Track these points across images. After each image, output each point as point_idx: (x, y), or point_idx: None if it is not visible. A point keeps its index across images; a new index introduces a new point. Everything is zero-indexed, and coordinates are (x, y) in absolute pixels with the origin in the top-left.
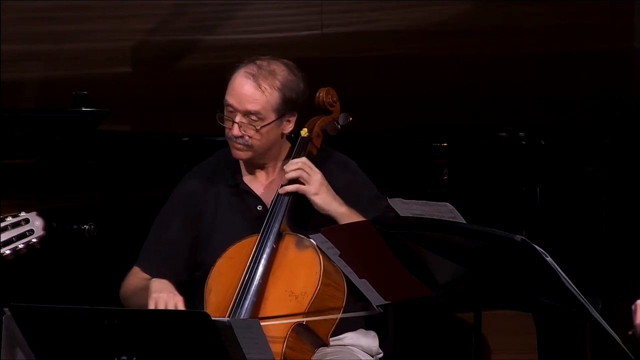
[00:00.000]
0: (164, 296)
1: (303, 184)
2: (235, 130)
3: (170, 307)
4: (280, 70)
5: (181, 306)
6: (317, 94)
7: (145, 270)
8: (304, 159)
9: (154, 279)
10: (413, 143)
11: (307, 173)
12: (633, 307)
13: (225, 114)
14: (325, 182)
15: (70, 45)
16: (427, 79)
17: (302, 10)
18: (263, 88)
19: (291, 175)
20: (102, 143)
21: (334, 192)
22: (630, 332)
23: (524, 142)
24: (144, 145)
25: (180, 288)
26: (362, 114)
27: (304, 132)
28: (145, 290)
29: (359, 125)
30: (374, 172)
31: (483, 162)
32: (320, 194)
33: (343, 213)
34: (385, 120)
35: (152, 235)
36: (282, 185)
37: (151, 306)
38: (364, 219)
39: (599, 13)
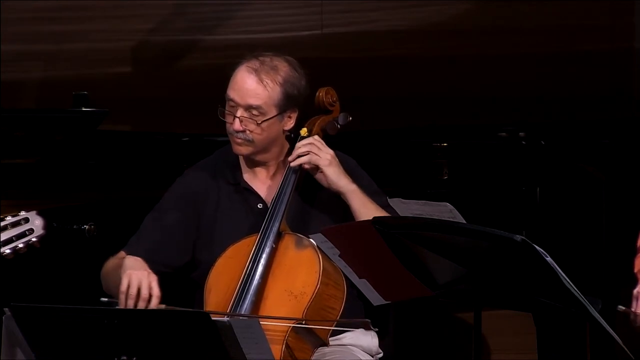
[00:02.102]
0: (138, 274)
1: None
2: (237, 125)
3: (145, 285)
4: (283, 66)
5: (155, 285)
6: (317, 94)
7: (129, 254)
8: (315, 136)
9: (127, 256)
10: (413, 143)
11: (318, 148)
12: (635, 292)
13: (226, 108)
14: (337, 159)
15: (70, 45)
16: (427, 79)
17: (302, 10)
18: (265, 83)
19: (302, 150)
20: (102, 143)
21: (344, 170)
22: (620, 309)
23: (524, 142)
24: (144, 145)
25: (179, 287)
26: (362, 114)
27: (304, 131)
28: (117, 270)
29: (359, 125)
30: (374, 172)
31: (483, 162)
32: (332, 166)
33: (354, 190)
34: (385, 120)
35: (144, 225)
36: (289, 162)
37: (124, 282)
38: (371, 201)
39: (599, 13)
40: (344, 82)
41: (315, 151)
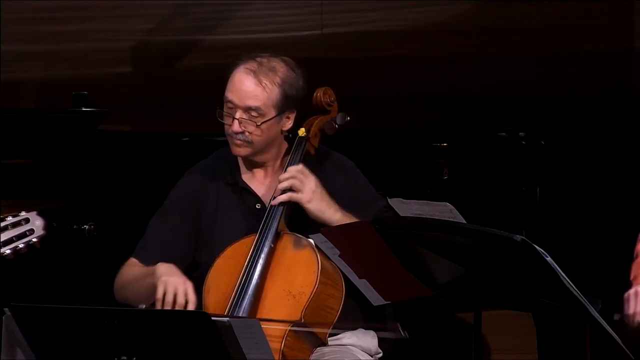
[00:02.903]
0: (175, 280)
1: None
2: (236, 126)
3: (181, 293)
4: (280, 67)
5: (191, 291)
6: (315, 94)
7: (142, 261)
8: (299, 166)
9: (160, 263)
10: (413, 143)
11: (300, 181)
12: (625, 295)
13: (224, 110)
14: (320, 189)
15: (70, 45)
16: (427, 79)
17: (302, 10)
18: (264, 84)
19: (284, 185)
20: (102, 143)
21: (328, 198)
22: (616, 318)
23: (524, 142)
24: (144, 145)
25: None
26: (362, 114)
27: (302, 131)
28: (144, 278)
29: (359, 125)
30: (374, 172)
31: (483, 162)
32: (314, 201)
33: (338, 220)
34: (385, 120)
35: (150, 228)
36: (274, 197)
37: (160, 290)
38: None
39: (599, 13)
40: (344, 82)
41: (297, 186)
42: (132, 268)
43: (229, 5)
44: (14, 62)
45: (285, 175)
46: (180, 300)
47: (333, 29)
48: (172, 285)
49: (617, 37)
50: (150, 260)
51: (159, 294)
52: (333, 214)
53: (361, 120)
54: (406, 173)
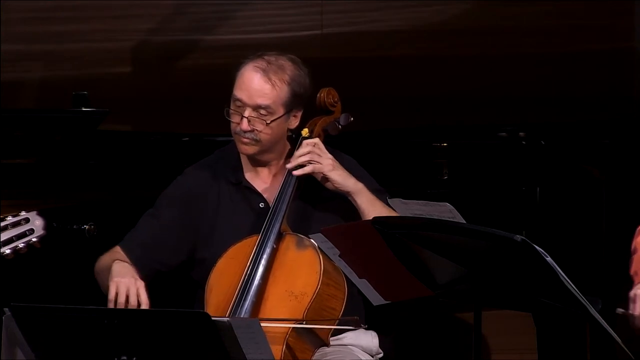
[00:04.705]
0: (126, 281)
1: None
2: (244, 125)
3: (132, 293)
4: (288, 65)
5: (143, 292)
6: (318, 94)
7: (125, 252)
8: (314, 139)
9: (116, 261)
10: (413, 143)
11: (317, 154)
12: (631, 295)
13: (232, 108)
14: (337, 161)
15: (70, 45)
16: (427, 79)
17: (302, 10)
18: (273, 82)
19: (302, 159)
20: (102, 143)
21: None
22: (619, 312)
23: (524, 142)
24: (144, 145)
25: (179, 287)
26: (362, 114)
27: (305, 132)
28: (108, 270)
29: (359, 125)
30: (374, 172)
31: (483, 162)
32: (336, 169)
33: (361, 189)
34: (385, 120)
35: (142, 221)
36: (289, 169)
37: (112, 291)
38: (377, 198)
39: (599, 13)
40: (344, 82)
41: (316, 159)
42: (110, 256)
43: (229, 5)
44: (14, 62)
45: (303, 149)
46: (133, 301)
47: (333, 29)
48: (124, 286)
49: (617, 37)
50: (133, 252)
51: (111, 295)
52: (356, 182)
53: (361, 120)
54: (406, 173)
